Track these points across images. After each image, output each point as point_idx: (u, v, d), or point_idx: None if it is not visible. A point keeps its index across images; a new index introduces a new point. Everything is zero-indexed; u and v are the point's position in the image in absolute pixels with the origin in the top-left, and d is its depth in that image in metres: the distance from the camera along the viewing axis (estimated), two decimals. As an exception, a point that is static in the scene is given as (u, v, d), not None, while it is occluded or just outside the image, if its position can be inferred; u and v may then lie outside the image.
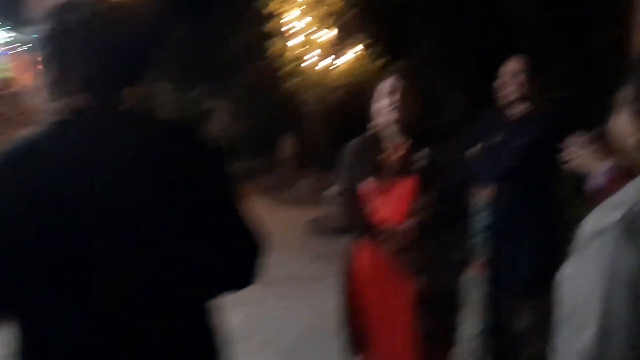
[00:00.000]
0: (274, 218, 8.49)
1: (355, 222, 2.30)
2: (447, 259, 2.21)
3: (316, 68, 6.90)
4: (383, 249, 2.19)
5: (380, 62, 6.98)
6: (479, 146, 2.66)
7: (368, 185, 2.27)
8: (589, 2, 7.06)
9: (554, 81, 6.45)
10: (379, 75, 6.89)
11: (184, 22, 13.76)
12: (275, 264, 5.70)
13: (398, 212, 2.21)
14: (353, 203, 2.30)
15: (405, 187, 2.22)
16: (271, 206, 9.87)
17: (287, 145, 14.42)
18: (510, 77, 2.58)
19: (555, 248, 2.47)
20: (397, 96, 2.22)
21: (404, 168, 2.24)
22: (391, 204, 2.23)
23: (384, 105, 2.26)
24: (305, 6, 6.80)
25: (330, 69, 6.93)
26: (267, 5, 7.07)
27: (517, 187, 2.52)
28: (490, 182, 2.61)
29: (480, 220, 2.65)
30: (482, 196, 2.65)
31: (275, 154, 15.07)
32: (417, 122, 2.27)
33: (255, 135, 16.29)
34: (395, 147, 2.29)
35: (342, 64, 6.90)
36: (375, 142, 2.34)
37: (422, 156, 2.23)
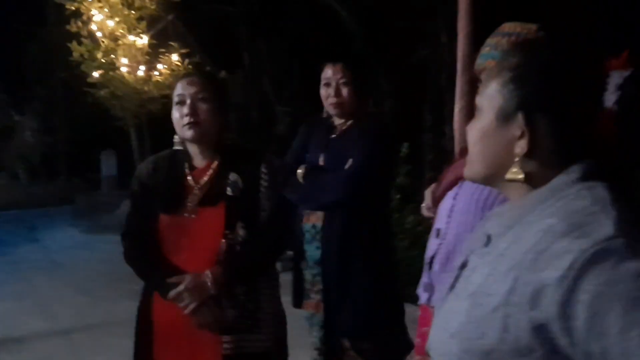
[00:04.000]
0: (92, 246, 7.54)
1: (145, 270, 1.79)
2: (260, 313, 1.79)
3: (128, 78, 6.12)
4: (178, 306, 1.70)
5: (206, 71, 6.44)
6: (302, 168, 2.28)
7: (165, 220, 1.76)
8: (405, 22, 7.38)
9: (373, 96, 6.58)
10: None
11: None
12: (86, 305, 4.90)
13: (201, 254, 1.74)
14: (142, 244, 1.77)
15: (210, 222, 1.75)
16: (89, 232, 8.79)
17: (107, 163, 13.14)
18: (328, 86, 2.26)
19: (385, 287, 2.19)
20: (191, 108, 1.74)
21: (208, 197, 1.77)
22: (191, 244, 1.75)
23: (176, 118, 1.77)
24: (111, 8, 5.99)
25: (144, 79, 6.20)
26: (70, 2, 6.11)
27: (345, 217, 2.18)
28: (318, 210, 2.26)
29: (311, 252, 2.27)
30: (312, 223, 2.28)
31: (94, 173, 13.68)
32: (223, 139, 1.81)
33: (68, 153, 14.66)
34: (198, 170, 1.82)
35: (158, 74, 6.22)
36: (175, 164, 1.83)
37: (230, 183, 1.77)
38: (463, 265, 0.90)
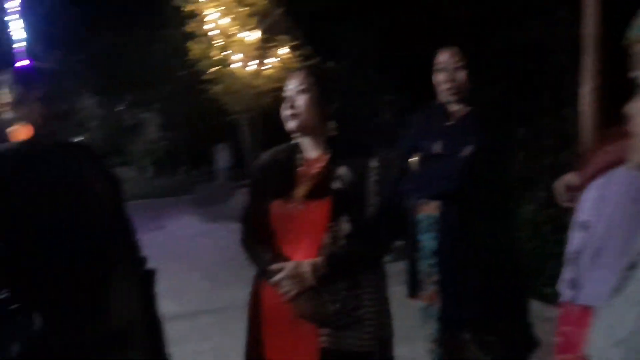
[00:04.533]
0: (212, 234, 7.99)
1: (257, 255, 1.84)
2: (361, 311, 1.73)
3: (241, 72, 6.39)
4: (280, 293, 1.74)
5: (309, 64, 6.55)
6: (417, 156, 2.25)
7: (275, 208, 1.81)
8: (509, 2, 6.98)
9: (483, 78, 6.27)
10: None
11: (103, 30, 12.97)
12: (211, 289, 5.12)
13: (304, 245, 1.76)
14: (256, 231, 1.84)
15: (316, 214, 1.77)
16: (208, 221, 9.34)
17: (222, 156, 13.84)
18: (443, 71, 2.19)
19: (507, 279, 2.10)
20: (299, 99, 1.77)
21: (316, 190, 1.79)
22: (298, 234, 1.78)
23: (284, 110, 1.81)
24: (224, 6, 6.27)
25: (256, 73, 6.43)
26: (187, 4, 6.49)
27: (463, 205, 2.12)
28: (433, 199, 2.21)
29: (427, 242, 2.24)
30: (427, 213, 2.24)
31: (210, 165, 14.49)
32: (330, 130, 1.81)
33: (188, 147, 15.64)
34: (310, 162, 1.85)
35: (269, 67, 6.42)
36: (291, 156, 1.88)
37: (339, 176, 1.78)
38: (632, 266, 0.81)
